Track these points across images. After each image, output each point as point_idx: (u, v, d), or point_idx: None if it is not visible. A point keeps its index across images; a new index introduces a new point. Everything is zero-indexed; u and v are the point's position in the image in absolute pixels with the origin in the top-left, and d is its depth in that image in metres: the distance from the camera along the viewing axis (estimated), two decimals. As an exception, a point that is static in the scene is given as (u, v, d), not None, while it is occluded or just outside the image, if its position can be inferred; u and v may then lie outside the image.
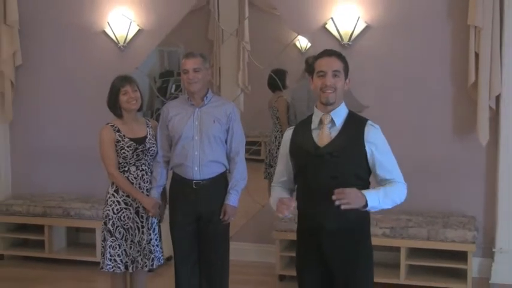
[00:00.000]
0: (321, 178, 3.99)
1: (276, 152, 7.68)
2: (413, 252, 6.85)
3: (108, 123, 5.53)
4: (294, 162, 4.20)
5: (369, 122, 4.06)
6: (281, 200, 4.02)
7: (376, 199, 3.87)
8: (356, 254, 4.06)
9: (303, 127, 4.18)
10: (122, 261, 5.50)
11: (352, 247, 4.03)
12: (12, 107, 8.32)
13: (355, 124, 4.06)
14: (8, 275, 7.60)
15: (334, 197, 3.74)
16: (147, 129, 5.59)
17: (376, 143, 4.00)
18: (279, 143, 7.52)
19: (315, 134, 4.07)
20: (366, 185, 4.05)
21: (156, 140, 5.57)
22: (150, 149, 5.54)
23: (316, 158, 4.01)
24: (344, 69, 4.06)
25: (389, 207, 4.00)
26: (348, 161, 3.99)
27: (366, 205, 3.83)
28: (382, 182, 4.04)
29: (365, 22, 7.24)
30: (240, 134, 5.55)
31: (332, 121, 4.04)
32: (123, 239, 5.50)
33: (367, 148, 3.98)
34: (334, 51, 4.15)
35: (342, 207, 3.73)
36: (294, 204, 3.97)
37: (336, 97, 4.00)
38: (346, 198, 3.73)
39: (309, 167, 4.06)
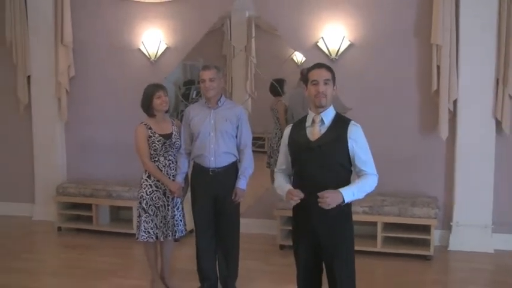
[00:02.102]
0: (312, 166, 4.00)
1: (276, 146, 7.70)
2: (387, 226, 6.84)
3: (142, 122, 5.53)
4: (291, 153, 4.20)
5: (352, 122, 4.07)
6: (290, 191, 4.03)
7: (351, 194, 3.92)
8: (339, 229, 4.06)
9: (299, 125, 4.18)
10: (153, 233, 5.52)
11: (336, 224, 4.04)
12: (67, 110, 8.32)
13: (340, 123, 4.06)
14: (64, 242, 7.63)
15: (319, 200, 3.83)
16: (173, 127, 5.59)
17: (357, 139, 4.01)
18: (279, 138, 7.59)
19: (308, 131, 4.08)
20: (348, 173, 4.07)
21: (179, 135, 5.55)
22: (175, 143, 5.53)
23: (308, 150, 4.02)
24: (332, 78, 4.06)
25: (362, 197, 4.02)
26: (334, 153, 4.00)
27: (343, 201, 3.89)
28: (359, 172, 4.05)
29: (349, 41, 7.21)
30: (247, 131, 5.55)
31: (322, 120, 4.05)
32: (154, 215, 5.50)
33: (349, 143, 3.98)
34: (324, 64, 4.17)
35: (324, 207, 3.83)
36: (301, 196, 3.95)
37: (326, 101, 4.02)
38: (327, 201, 3.82)
39: (302, 157, 4.08)
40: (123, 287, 5.94)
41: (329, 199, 3.84)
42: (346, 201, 3.91)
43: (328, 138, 4.01)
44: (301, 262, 4.23)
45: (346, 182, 3.99)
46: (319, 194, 3.85)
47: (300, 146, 4.10)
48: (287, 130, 4.27)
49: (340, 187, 3.92)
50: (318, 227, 4.03)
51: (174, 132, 5.55)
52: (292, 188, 4.08)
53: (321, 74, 4.04)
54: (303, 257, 4.21)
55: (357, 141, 4.00)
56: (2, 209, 8.79)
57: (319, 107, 4.03)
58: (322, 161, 3.99)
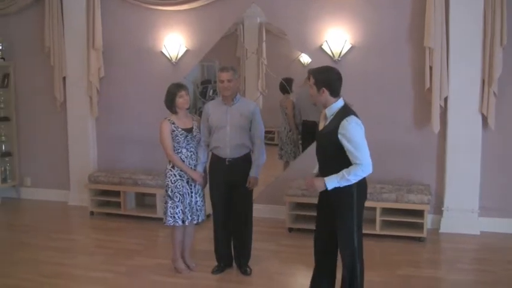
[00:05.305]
0: (318, 151, 4.44)
1: (285, 138, 7.81)
2: (385, 211, 6.80)
3: (166, 118, 5.53)
4: None
5: (347, 118, 4.21)
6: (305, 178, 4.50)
7: (335, 182, 4.17)
8: (340, 201, 4.28)
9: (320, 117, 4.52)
10: (179, 218, 5.50)
11: (338, 196, 4.25)
12: (97, 107, 8.34)
13: (338, 119, 4.24)
14: (96, 225, 7.65)
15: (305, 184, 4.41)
16: (193, 122, 5.58)
17: (345, 133, 4.15)
18: (287, 131, 7.59)
19: (321, 122, 4.42)
20: (344, 159, 4.19)
21: (199, 129, 5.53)
22: (196, 136, 5.54)
23: (317, 136, 4.45)
24: (314, 83, 4.32)
25: (349, 183, 4.18)
26: (327, 143, 4.29)
27: (327, 188, 4.19)
28: (351, 160, 4.17)
29: (350, 44, 7.17)
30: (260, 125, 5.54)
31: (326, 115, 4.35)
32: (180, 201, 5.49)
33: (338, 136, 4.17)
34: (312, 70, 4.48)
35: (310, 192, 4.52)
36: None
37: (313, 101, 4.40)
38: (312, 187, 4.29)
39: (316, 141, 4.50)
40: (147, 265, 5.94)
41: (312, 186, 4.28)
42: (329, 188, 4.18)
43: (325, 131, 4.30)
44: (319, 226, 4.60)
45: (343, 166, 4.16)
46: (305, 181, 4.41)
47: (316, 132, 4.49)
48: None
49: (336, 170, 4.16)
50: (325, 198, 4.36)
51: (194, 127, 5.55)
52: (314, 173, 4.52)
53: (309, 79, 4.40)
54: (321, 222, 4.58)
55: (345, 135, 4.14)
56: (42, 195, 8.87)
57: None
58: (322, 147, 4.38)
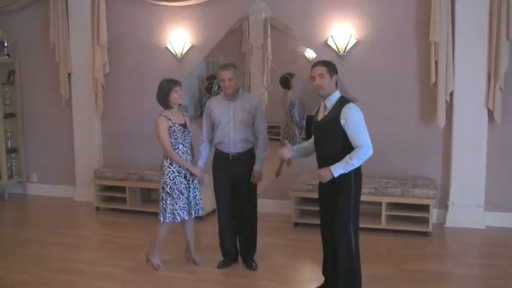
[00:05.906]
0: (318, 140, 4.62)
1: (283, 133, 7.87)
2: (391, 205, 6.80)
3: (161, 114, 5.48)
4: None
5: (347, 104, 4.41)
6: (286, 145, 4.79)
7: (341, 169, 4.35)
8: (338, 187, 4.45)
9: (317, 108, 4.70)
10: (178, 214, 5.49)
11: (337, 182, 4.41)
12: (103, 103, 8.38)
13: (338, 106, 4.44)
14: (102, 220, 7.69)
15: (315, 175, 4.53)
16: (184, 117, 5.59)
17: (347, 118, 4.36)
18: (285, 126, 7.85)
19: (319, 113, 4.62)
20: (346, 144, 4.39)
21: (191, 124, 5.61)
22: (191, 131, 5.58)
23: (316, 127, 4.62)
24: (327, 71, 4.47)
25: (354, 168, 4.38)
26: (330, 130, 4.45)
27: (334, 176, 4.35)
28: (353, 145, 4.37)
29: (356, 38, 7.16)
30: (263, 120, 5.55)
31: (325, 105, 4.53)
32: (178, 197, 5.48)
33: (341, 122, 4.37)
34: (318, 62, 4.59)
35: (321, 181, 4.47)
36: (289, 154, 4.77)
37: (324, 91, 4.47)
38: (320, 178, 4.43)
39: (314, 133, 4.68)
40: (152, 260, 5.96)
41: (319, 177, 4.42)
42: (336, 175, 4.35)
43: (327, 119, 4.47)
44: (321, 209, 4.75)
45: (345, 152, 4.36)
46: (316, 173, 4.49)
47: (313, 124, 4.66)
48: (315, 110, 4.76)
49: (338, 156, 4.36)
50: (324, 192, 4.60)
51: (187, 122, 5.57)
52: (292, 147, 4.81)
53: (315, 71, 4.48)
54: (321, 206, 4.74)
55: (347, 120, 4.34)
56: (48, 191, 8.94)
57: (320, 96, 4.53)
58: (323, 136, 4.53)
